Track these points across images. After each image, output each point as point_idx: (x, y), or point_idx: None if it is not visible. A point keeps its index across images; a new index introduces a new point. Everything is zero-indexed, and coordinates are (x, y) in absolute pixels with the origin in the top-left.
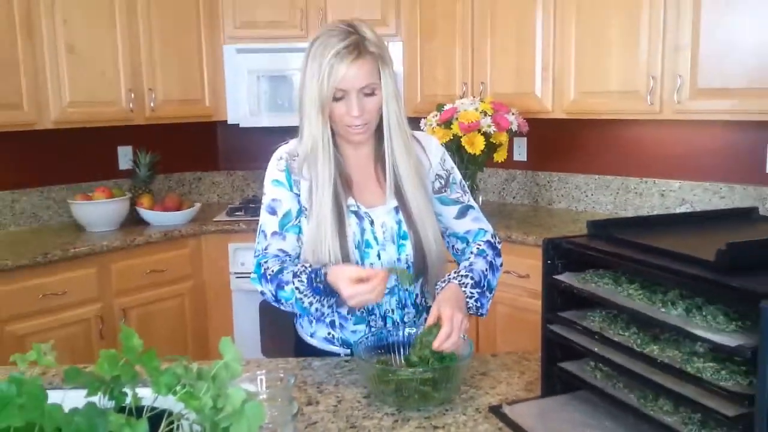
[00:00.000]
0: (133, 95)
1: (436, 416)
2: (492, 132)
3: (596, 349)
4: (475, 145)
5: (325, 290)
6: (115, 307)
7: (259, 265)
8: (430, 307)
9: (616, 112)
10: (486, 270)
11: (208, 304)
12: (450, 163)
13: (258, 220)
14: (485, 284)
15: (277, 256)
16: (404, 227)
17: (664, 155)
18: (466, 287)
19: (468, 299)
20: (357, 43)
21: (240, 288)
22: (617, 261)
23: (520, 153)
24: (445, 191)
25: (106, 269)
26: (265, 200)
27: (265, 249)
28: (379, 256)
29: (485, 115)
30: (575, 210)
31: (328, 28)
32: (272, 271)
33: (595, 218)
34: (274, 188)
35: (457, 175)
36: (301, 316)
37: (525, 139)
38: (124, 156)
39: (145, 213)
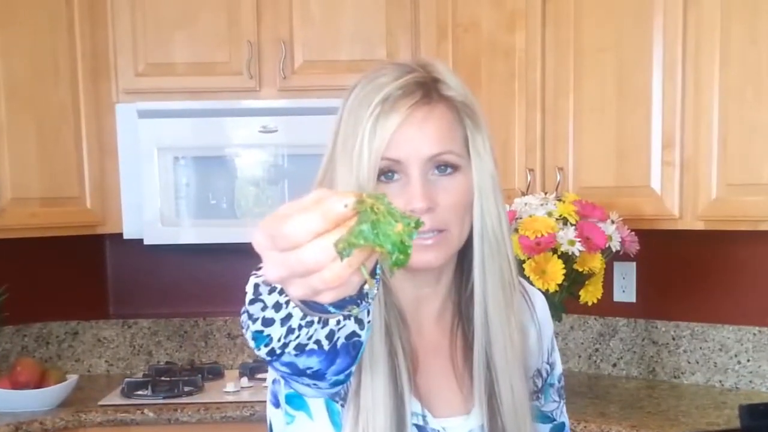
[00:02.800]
0: None
1: None
2: (577, 253)
3: None
4: (549, 276)
5: None
6: None
7: None
8: None
9: None
10: None
11: None
12: (557, 351)
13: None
14: None
15: None
16: None
17: None
18: None
19: None
20: (423, 83)
21: None
22: None
23: (626, 289)
24: (539, 398)
25: None
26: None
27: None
28: None
29: (565, 223)
30: (719, 387)
31: (382, 66)
32: None
33: (753, 401)
34: None
35: (559, 369)
36: None
37: (633, 264)
38: None
39: None
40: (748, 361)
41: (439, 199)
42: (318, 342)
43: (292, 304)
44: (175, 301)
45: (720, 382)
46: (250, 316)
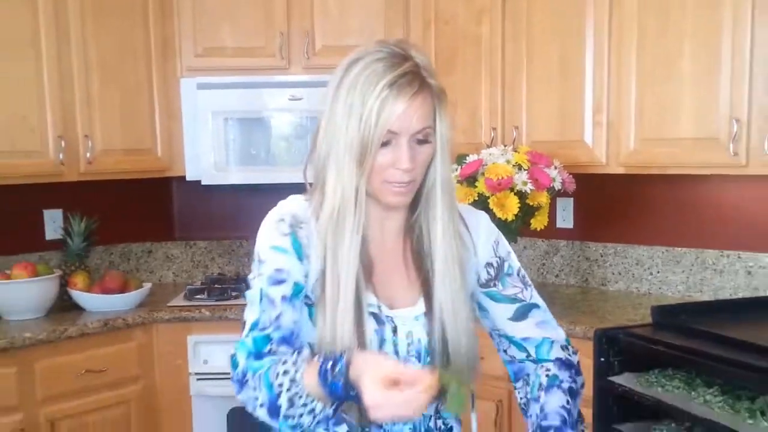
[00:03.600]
0: (63, 144)
1: None
2: (528, 191)
3: None
4: (507, 208)
5: (336, 389)
6: (41, 419)
7: (266, 340)
8: (450, 428)
9: (689, 165)
10: (567, 404)
11: (161, 414)
12: (506, 247)
13: (228, 303)
14: (570, 423)
15: (292, 333)
16: (436, 342)
17: (751, 221)
18: None
19: None
20: (416, 72)
21: (202, 393)
22: (691, 357)
23: (565, 218)
24: (496, 285)
25: (29, 369)
26: (265, 270)
27: (277, 319)
28: None
29: (519, 169)
30: (636, 292)
31: (372, 50)
32: (260, 368)
33: (661, 303)
34: (276, 256)
35: (515, 262)
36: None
37: (571, 200)
38: (52, 222)
39: (80, 296)
40: (658, 272)
41: (417, 161)
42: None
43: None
44: (225, 227)
45: (637, 288)
46: (278, 410)
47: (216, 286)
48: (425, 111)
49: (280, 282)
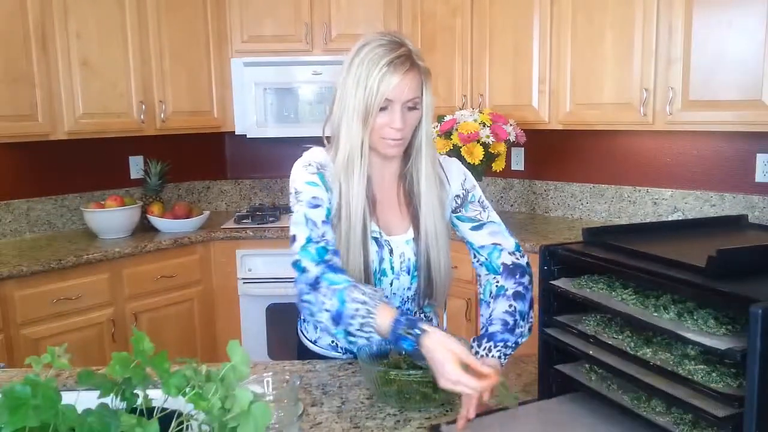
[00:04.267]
0: (144, 107)
1: (437, 416)
2: (490, 142)
3: (591, 351)
4: (474, 155)
5: (402, 343)
6: (127, 312)
7: (324, 250)
8: (431, 320)
9: (611, 123)
10: (509, 308)
11: (216, 309)
12: (471, 182)
13: (269, 227)
14: (512, 323)
15: (336, 248)
16: (421, 261)
17: (656, 165)
18: (493, 357)
19: (501, 352)
20: (408, 55)
21: (247, 293)
22: (611, 267)
23: (518, 163)
24: (461, 210)
25: (118, 275)
26: (304, 198)
27: (323, 235)
28: (391, 284)
29: (484, 126)
30: (571, 218)
31: (375, 38)
32: (337, 282)
33: (590, 226)
34: (311, 188)
35: (477, 193)
36: (306, 321)
37: (522, 149)
38: (136, 165)
39: (156, 220)
40: (587, 203)
41: (407, 123)
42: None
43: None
44: (264, 169)
45: (571, 215)
46: (349, 330)
47: (257, 213)
48: (415, 85)
49: (317, 206)
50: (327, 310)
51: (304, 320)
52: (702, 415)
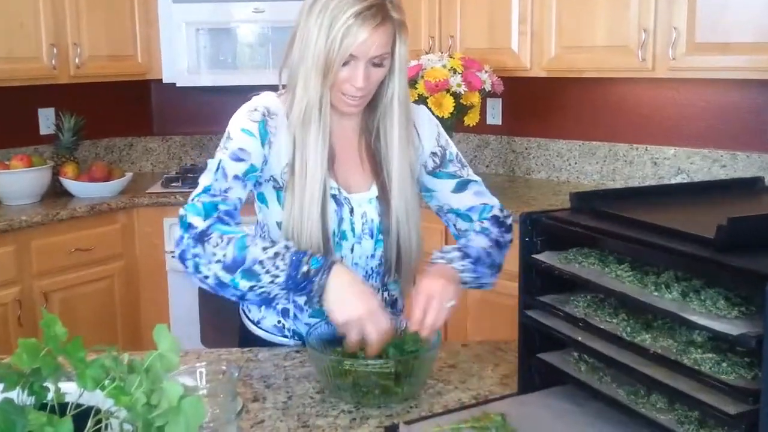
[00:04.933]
0: (55, 50)
1: (399, 414)
2: (462, 92)
3: (580, 338)
4: (443, 107)
5: (304, 278)
6: (36, 291)
7: (214, 207)
8: (395, 300)
9: (603, 69)
10: (489, 247)
11: (140, 287)
12: (445, 137)
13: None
14: (486, 260)
15: (236, 209)
16: (386, 222)
17: (657, 119)
18: (452, 261)
19: (462, 274)
20: (381, 6)
21: (177, 269)
22: (604, 238)
23: (494, 116)
24: (440, 168)
25: (25, 247)
26: (230, 146)
27: (225, 191)
28: (352, 249)
29: (454, 73)
30: (556, 180)
31: None
32: (233, 232)
33: (578, 189)
34: (242, 137)
35: (453, 149)
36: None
37: (499, 100)
38: (46, 119)
39: (70, 184)
40: (576, 163)
41: (370, 80)
42: (269, 294)
43: (284, 274)
44: (197, 124)
45: (557, 177)
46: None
47: (189, 175)
48: (384, 40)
49: (239, 159)
50: (219, 261)
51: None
52: (710, 412)
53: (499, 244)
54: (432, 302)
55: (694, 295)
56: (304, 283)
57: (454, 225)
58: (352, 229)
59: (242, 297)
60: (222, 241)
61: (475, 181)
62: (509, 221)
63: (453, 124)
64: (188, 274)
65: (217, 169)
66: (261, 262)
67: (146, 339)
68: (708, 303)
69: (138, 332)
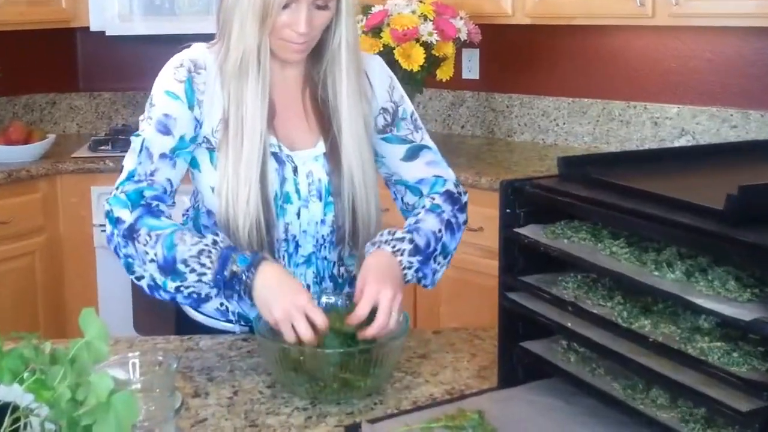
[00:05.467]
0: None
1: (362, 411)
2: (434, 42)
3: (569, 323)
4: (413, 59)
5: (232, 278)
6: None
7: (140, 194)
8: (354, 277)
9: (596, 16)
10: (440, 231)
11: (65, 265)
12: (400, 91)
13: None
14: (436, 248)
15: (165, 192)
16: (336, 182)
17: (657, 72)
18: (402, 254)
19: (406, 270)
20: None
21: (106, 245)
22: (597, 209)
23: (471, 69)
24: (391, 129)
25: None
26: (154, 114)
27: (151, 174)
28: (299, 214)
29: (425, 20)
30: (542, 143)
31: None
32: (160, 228)
33: (568, 154)
34: (168, 101)
35: (408, 106)
36: None
37: (477, 51)
38: None
39: None
40: (564, 124)
41: (313, 25)
42: (198, 294)
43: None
44: (130, 78)
45: (542, 140)
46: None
47: (120, 137)
48: None
49: (165, 132)
50: (153, 260)
51: None
52: (718, 409)
53: (451, 227)
54: (381, 315)
55: (700, 275)
56: (233, 281)
57: (402, 198)
58: (297, 191)
59: (173, 298)
60: (150, 239)
61: (429, 148)
62: (464, 199)
63: (423, 79)
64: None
65: (141, 149)
66: (185, 261)
67: (71, 325)
68: (716, 284)
69: (62, 317)
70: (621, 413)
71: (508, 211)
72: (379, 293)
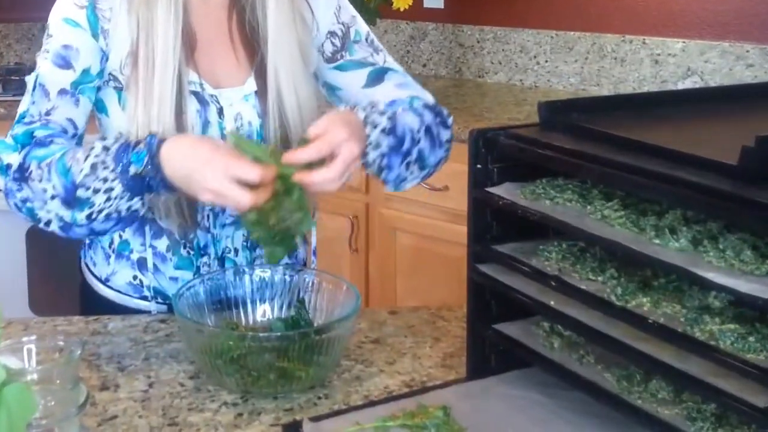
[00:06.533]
0: None
1: (303, 407)
2: None
3: (552, 302)
4: None
5: (142, 180)
6: None
7: (30, 135)
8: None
9: None
10: (418, 131)
11: None
12: (349, 12)
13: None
14: (411, 150)
15: (66, 133)
16: (270, 124)
17: (659, 1)
18: (374, 127)
19: (370, 150)
20: None
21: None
22: (585, 164)
23: None
24: (343, 56)
25: None
26: (52, 46)
27: (47, 114)
28: None
29: None
30: (520, 85)
31: None
32: (49, 154)
33: (550, 98)
34: (67, 30)
35: (363, 27)
36: (90, 247)
37: None
38: None
39: None
40: (546, 62)
41: None
42: (119, 212)
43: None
44: (24, 7)
45: (520, 81)
46: (79, 187)
47: (13, 78)
48: None
49: (65, 65)
50: (55, 196)
51: (90, 246)
52: (731, 404)
53: (431, 135)
54: (336, 164)
55: (709, 244)
56: (143, 184)
57: None
58: (223, 137)
59: (93, 231)
60: (43, 171)
61: (395, 70)
62: (449, 121)
63: (377, 8)
64: (33, 222)
65: (35, 87)
66: (84, 184)
67: None
68: (729, 254)
69: None
70: (614, 409)
71: (478, 166)
72: (344, 141)
